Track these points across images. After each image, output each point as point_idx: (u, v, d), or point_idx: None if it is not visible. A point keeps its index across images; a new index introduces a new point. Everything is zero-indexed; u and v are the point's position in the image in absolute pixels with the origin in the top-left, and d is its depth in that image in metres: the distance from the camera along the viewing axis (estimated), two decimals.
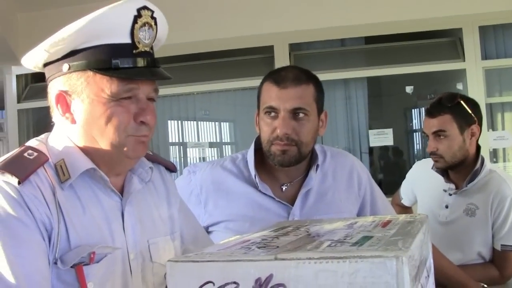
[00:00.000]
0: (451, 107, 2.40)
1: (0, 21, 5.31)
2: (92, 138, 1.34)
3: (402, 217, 1.18)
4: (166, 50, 1.41)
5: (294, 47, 5.87)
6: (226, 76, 5.97)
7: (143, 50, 1.32)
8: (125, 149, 1.33)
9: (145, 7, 1.31)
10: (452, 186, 2.52)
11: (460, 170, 2.45)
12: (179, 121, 6.51)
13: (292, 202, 1.87)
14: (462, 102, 2.42)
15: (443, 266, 2.17)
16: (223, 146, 6.88)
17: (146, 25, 1.31)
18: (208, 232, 1.85)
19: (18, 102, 6.30)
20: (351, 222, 1.17)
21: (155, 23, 1.34)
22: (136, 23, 1.29)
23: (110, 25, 1.27)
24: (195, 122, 6.62)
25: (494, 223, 2.41)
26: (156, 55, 1.39)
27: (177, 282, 0.87)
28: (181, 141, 6.55)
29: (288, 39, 5.74)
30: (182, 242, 1.57)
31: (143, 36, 1.31)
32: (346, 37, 5.88)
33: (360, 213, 1.96)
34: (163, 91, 5.09)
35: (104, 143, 1.33)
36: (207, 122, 6.80)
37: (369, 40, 5.89)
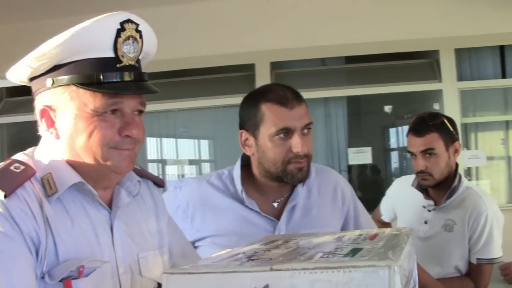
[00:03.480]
0: (437, 125, 2.45)
1: None
2: (76, 153, 1.32)
3: (388, 230, 1.21)
4: (146, 66, 1.41)
5: (275, 66, 5.91)
6: (207, 93, 5.98)
7: (127, 64, 1.30)
8: (108, 163, 1.31)
9: (129, 20, 1.29)
10: (431, 202, 2.57)
11: (440, 187, 2.50)
12: (159, 138, 6.48)
13: (278, 217, 1.89)
14: (445, 120, 2.48)
15: (424, 279, 2.21)
16: (202, 163, 6.87)
17: (130, 38, 1.29)
18: (195, 247, 1.86)
19: None
20: (339, 235, 1.19)
21: (140, 36, 1.32)
22: (119, 36, 1.27)
23: (92, 39, 1.25)
24: (174, 139, 6.60)
25: (470, 238, 2.47)
26: None
27: None
28: (160, 158, 6.53)
29: (270, 58, 5.78)
30: (171, 257, 1.56)
31: (127, 50, 1.29)
32: (327, 56, 5.95)
33: (343, 228, 1.99)
34: None
35: (88, 158, 1.31)
36: (187, 139, 6.79)
37: (350, 59, 5.97)
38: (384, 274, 0.78)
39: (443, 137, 2.44)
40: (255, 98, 1.86)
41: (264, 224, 1.87)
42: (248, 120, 1.86)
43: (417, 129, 2.48)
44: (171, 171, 6.49)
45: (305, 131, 1.82)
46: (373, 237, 1.12)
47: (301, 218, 1.91)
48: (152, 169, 6.40)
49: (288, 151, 1.80)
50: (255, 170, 1.90)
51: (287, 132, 1.79)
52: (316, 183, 1.97)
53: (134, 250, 1.42)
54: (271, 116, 1.80)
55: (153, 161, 6.46)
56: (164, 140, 6.56)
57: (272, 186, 1.89)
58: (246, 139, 1.88)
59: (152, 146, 6.45)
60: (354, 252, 0.93)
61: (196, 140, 6.83)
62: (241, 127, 1.89)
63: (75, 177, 1.32)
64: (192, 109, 6.26)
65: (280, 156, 1.81)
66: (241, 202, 1.89)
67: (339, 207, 1.99)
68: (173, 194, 1.96)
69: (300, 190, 1.92)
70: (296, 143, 1.79)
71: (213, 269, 0.88)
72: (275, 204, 1.92)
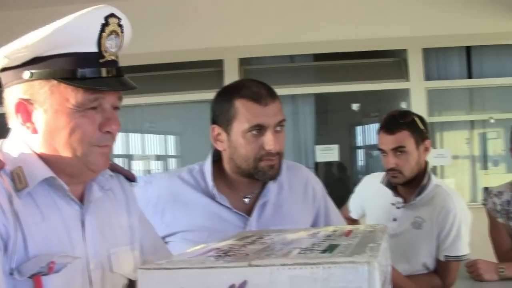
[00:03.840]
0: (408, 123, 2.48)
1: None
2: (54, 149, 1.30)
3: (362, 227, 1.22)
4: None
5: (243, 62, 5.91)
6: (174, 88, 5.95)
7: (109, 59, 1.29)
8: (88, 160, 1.30)
9: (112, 15, 1.27)
10: (400, 200, 2.59)
11: (410, 185, 2.53)
12: (125, 133, 6.43)
13: (249, 213, 1.89)
14: (415, 118, 2.51)
15: (394, 276, 2.23)
16: (169, 159, 6.84)
17: (113, 33, 1.28)
18: (165, 243, 1.85)
19: None
20: (314, 232, 1.20)
21: (122, 31, 1.31)
22: (104, 31, 1.26)
23: (77, 34, 1.23)
24: (141, 134, 6.56)
25: (439, 235, 2.51)
26: None
27: None
28: (126, 153, 6.48)
29: (238, 54, 5.78)
30: (142, 252, 1.54)
31: (110, 45, 1.28)
32: (295, 53, 5.98)
33: (314, 225, 2.00)
34: None
35: (67, 154, 1.29)
36: (153, 135, 6.75)
37: (318, 57, 6.01)
38: (364, 270, 0.78)
39: (414, 135, 2.47)
40: (229, 93, 1.85)
41: (235, 220, 1.87)
42: (221, 115, 1.85)
43: (388, 127, 2.50)
44: (138, 167, 6.44)
45: (278, 128, 1.82)
46: (348, 233, 1.12)
47: (272, 214, 1.91)
48: (118, 164, 6.33)
49: (260, 148, 1.79)
50: (226, 165, 1.90)
51: (260, 129, 1.79)
52: (287, 179, 1.98)
53: (105, 245, 1.40)
54: (244, 113, 1.79)
55: (119, 156, 6.42)
56: (131, 135, 6.51)
57: (243, 182, 1.89)
58: (218, 134, 1.87)
59: (119, 141, 6.39)
60: (331, 248, 0.93)
61: (163, 136, 6.80)
62: (214, 121, 1.88)
63: (46, 172, 1.29)
64: (159, 104, 6.23)
65: (252, 153, 1.80)
66: (212, 197, 1.88)
67: (309, 204, 2.00)
68: (144, 189, 1.94)
69: (271, 186, 1.92)
70: (269, 141, 1.78)
71: (190, 265, 0.87)
72: (246, 200, 1.92)
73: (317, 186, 2.05)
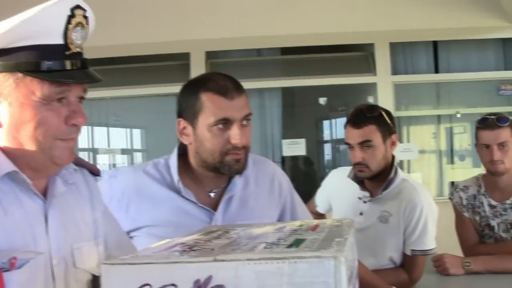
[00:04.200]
0: (375, 117, 2.49)
1: None
2: (18, 142, 1.29)
3: (329, 221, 1.22)
4: None
5: (210, 55, 5.90)
6: (140, 82, 5.92)
7: (75, 51, 1.28)
8: (53, 154, 1.29)
9: (78, 6, 1.27)
10: (367, 194, 2.61)
11: (376, 179, 2.55)
12: (90, 127, 6.37)
13: (214, 207, 1.88)
14: (382, 112, 2.53)
15: (361, 271, 2.25)
16: (134, 153, 6.81)
17: (79, 25, 1.28)
18: (130, 237, 1.83)
19: None
20: (279, 226, 1.19)
21: (87, 23, 1.30)
22: (70, 23, 1.25)
23: (42, 26, 1.23)
24: (106, 128, 6.51)
25: (405, 230, 2.53)
26: None
27: (112, 285, 0.86)
28: (91, 147, 6.42)
29: (205, 47, 5.77)
30: (106, 247, 1.54)
31: (76, 37, 1.28)
32: (262, 47, 5.99)
33: (280, 219, 2.00)
34: None
35: (31, 148, 1.28)
36: (119, 129, 6.70)
37: (285, 51, 6.02)
38: (330, 265, 0.78)
39: (381, 130, 2.49)
40: (195, 87, 1.84)
41: (200, 215, 1.86)
42: (186, 108, 1.84)
43: (355, 121, 2.51)
44: (103, 161, 6.39)
45: (244, 122, 1.82)
46: (314, 227, 1.12)
47: (238, 209, 1.91)
48: (83, 158, 6.27)
49: (226, 142, 1.79)
50: (192, 159, 1.89)
51: (226, 122, 1.79)
52: (253, 174, 1.98)
53: (69, 240, 1.39)
54: (210, 106, 1.79)
55: (84, 150, 6.36)
56: (96, 128, 6.45)
57: (209, 176, 1.88)
58: (184, 127, 1.86)
59: (83, 135, 6.32)
60: (297, 242, 0.93)
61: (128, 129, 6.76)
62: (179, 115, 1.87)
63: (8, 166, 1.28)
64: (124, 98, 6.19)
65: (218, 147, 1.80)
66: (178, 192, 1.87)
67: (276, 198, 2.00)
68: (108, 183, 1.92)
69: (237, 181, 1.92)
70: (235, 135, 1.78)
71: (155, 260, 0.87)
72: (212, 195, 1.92)
73: (284, 180, 2.06)
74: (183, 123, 1.86)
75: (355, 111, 2.55)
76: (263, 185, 1.99)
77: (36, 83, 1.25)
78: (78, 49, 1.30)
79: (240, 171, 1.85)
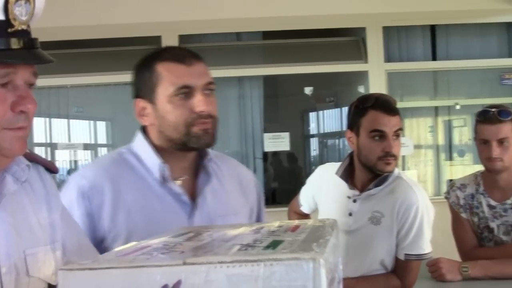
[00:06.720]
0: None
1: None
2: None
3: (311, 222, 1.24)
4: (35, 34, 1.37)
5: (184, 39, 5.87)
6: (105, 68, 5.89)
7: (19, 28, 1.25)
8: (1, 145, 1.27)
9: None
10: (357, 192, 2.61)
11: (370, 172, 2.56)
12: (48, 118, 6.33)
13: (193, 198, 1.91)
14: None
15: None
16: (99, 148, 6.77)
17: None
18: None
19: None
20: (257, 227, 1.21)
21: None
22: None
23: None
24: (66, 120, 6.46)
25: (398, 232, 2.54)
26: None
27: None
28: (49, 141, 6.37)
29: (178, 30, 5.75)
30: (64, 253, 1.52)
31: (20, 12, 1.24)
32: (242, 30, 5.98)
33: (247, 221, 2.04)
34: None
35: None
36: (81, 121, 6.66)
37: (267, 35, 6.02)
38: (309, 267, 0.79)
39: None
40: (148, 60, 1.86)
41: (178, 208, 1.89)
42: (142, 85, 1.86)
43: (391, 108, 2.72)
44: (62, 157, 6.35)
45: (207, 91, 1.84)
46: (294, 228, 1.14)
47: (213, 202, 1.93)
48: (40, 154, 6.22)
49: (190, 111, 1.80)
50: (156, 142, 1.89)
51: (187, 92, 1.80)
52: (222, 168, 2.01)
53: (21, 246, 1.37)
54: (167, 76, 1.81)
55: (40, 144, 6.32)
56: (54, 120, 6.40)
57: (176, 159, 1.89)
58: (143, 108, 1.87)
59: (40, 128, 6.27)
60: (274, 244, 0.94)
61: (92, 122, 6.71)
62: (136, 95, 1.89)
63: None
64: (88, 86, 6.16)
65: (181, 118, 1.81)
66: (155, 183, 1.89)
67: (247, 197, 2.04)
68: (72, 185, 1.92)
69: (212, 167, 1.94)
70: (198, 101, 1.79)
71: (117, 264, 0.87)
72: (178, 182, 1.93)
73: (254, 178, 2.14)
74: (141, 103, 1.87)
75: (390, 100, 2.84)
76: (231, 181, 2.02)
77: None
78: (23, 27, 1.26)
79: (209, 144, 1.86)
